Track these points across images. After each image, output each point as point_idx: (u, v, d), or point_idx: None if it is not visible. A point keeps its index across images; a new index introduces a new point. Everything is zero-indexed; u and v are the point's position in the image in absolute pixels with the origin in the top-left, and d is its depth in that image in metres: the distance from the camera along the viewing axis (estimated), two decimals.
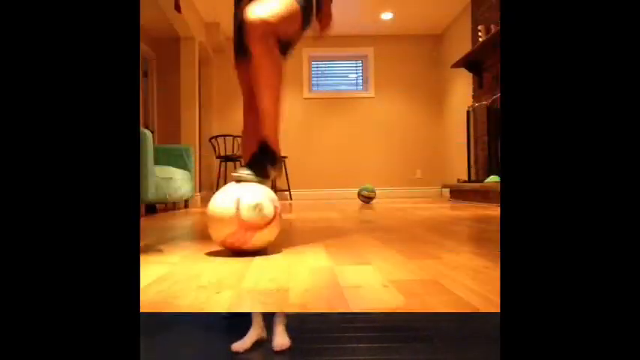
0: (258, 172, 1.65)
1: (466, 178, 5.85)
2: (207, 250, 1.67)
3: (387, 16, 6.56)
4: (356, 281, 1.09)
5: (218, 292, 1.00)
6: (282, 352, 1.33)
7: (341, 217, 3.16)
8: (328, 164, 7.32)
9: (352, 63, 7.48)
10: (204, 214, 3.91)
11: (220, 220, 1.48)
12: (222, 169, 6.96)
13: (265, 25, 1.62)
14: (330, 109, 7.29)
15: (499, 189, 4.16)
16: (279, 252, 1.58)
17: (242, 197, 1.48)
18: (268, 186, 1.65)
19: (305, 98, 7.29)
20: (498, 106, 5.08)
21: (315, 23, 1.90)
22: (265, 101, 1.70)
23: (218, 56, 7.20)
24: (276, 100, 1.71)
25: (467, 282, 1.06)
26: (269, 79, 1.69)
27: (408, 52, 7.38)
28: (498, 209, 3.79)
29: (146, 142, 3.68)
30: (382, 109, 7.33)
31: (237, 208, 1.46)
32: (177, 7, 4.83)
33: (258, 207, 1.47)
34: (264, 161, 1.69)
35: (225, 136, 6.54)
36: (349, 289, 1.02)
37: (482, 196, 4.69)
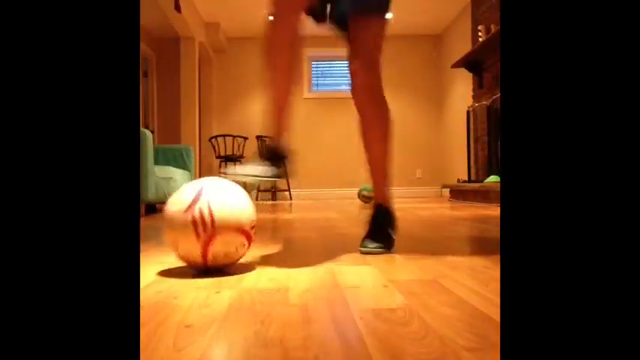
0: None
1: (466, 178, 5.85)
2: None
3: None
4: (356, 281, 1.09)
5: (218, 292, 1.00)
6: None
7: (341, 218, 3.16)
8: (328, 164, 7.32)
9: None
10: None
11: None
12: (222, 169, 6.96)
13: None
14: (330, 109, 7.29)
15: (499, 189, 4.16)
16: (278, 252, 1.58)
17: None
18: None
19: (305, 98, 7.29)
20: (498, 106, 5.08)
21: None
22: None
23: (218, 56, 7.20)
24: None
25: (467, 282, 1.06)
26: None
27: (408, 52, 7.38)
28: (498, 209, 3.79)
29: (146, 142, 3.68)
30: None
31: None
32: (177, 7, 4.83)
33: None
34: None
35: (225, 136, 6.54)
36: (349, 289, 1.02)
37: (483, 196, 4.69)
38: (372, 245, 1.52)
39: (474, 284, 1.04)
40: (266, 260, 1.42)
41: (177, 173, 4.57)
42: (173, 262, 1.42)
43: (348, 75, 1.60)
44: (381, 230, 1.56)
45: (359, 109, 1.60)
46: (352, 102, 1.58)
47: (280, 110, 1.49)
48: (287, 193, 6.85)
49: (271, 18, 1.46)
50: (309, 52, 7.24)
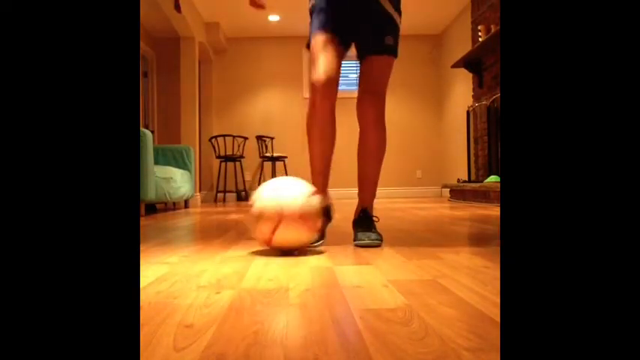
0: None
1: (466, 178, 5.85)
2: (207, 251, 1.67)
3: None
4: (356, 281, 1.09)
5: (218, 292, 1.00)
6: None
7: (341, 217, 3.16)
8: None
9: (352, 63, 7.48)
10: (204, 213, 3.91)
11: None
12: (222, 169, 6.96)
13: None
14: None
15: (499, 189, 4.16)
16: (279, 252, 1.58)
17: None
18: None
19: (305, 98, 7.29)
20: (498, 106, 5.08)
21: None
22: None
23: (218, 56, 7.20)
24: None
25: (467, 282, 1.06)
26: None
27: (408, 52, 7.38)
28: (498, 209, 3.79)
29: (146, 142, 3.68)
30: None
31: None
32: (177, 7, 4.83)
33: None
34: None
35: (225, 136, 6.53)
36: (349, 288, 1.02)
37: (483, 196, 4.69)
38: (369, 238, 1.66)
39: (474, 284, 1.04)
40: (266, 260, 1.42)
41: (177, 173, 4.57)
42: (173, 261, 1.42)
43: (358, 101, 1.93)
44: (371, 226, 1.75)
45: (363, 131, 1.90)
46: (353, 102, 1.78)
47: (323, 172, 1.84)
48: None
49: (310, 98, 1.80)
50: (309, 52, 7.22)
